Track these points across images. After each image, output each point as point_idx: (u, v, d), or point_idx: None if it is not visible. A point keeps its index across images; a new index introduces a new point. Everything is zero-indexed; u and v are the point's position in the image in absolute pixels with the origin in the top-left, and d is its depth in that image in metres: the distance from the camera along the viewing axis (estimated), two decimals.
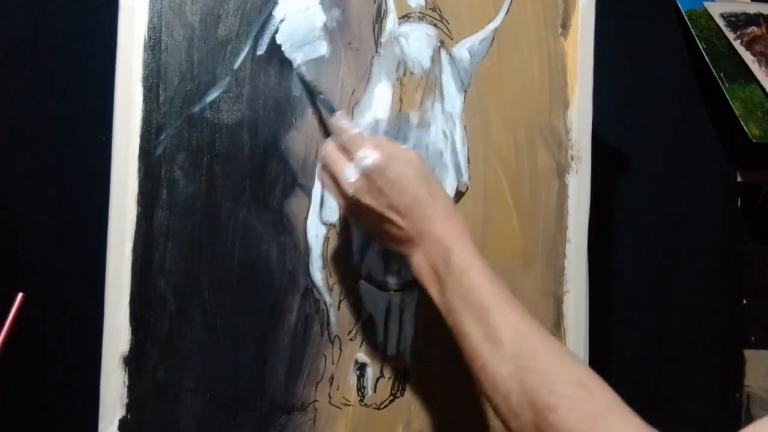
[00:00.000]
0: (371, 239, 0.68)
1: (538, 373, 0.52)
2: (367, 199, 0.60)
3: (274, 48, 0.68)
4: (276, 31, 0.68)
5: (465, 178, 0.74)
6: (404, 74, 0.72)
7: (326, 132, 0.67)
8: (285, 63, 0.68)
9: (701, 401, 1.00)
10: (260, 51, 0.68)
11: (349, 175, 0.60)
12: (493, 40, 0.75)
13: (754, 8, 1.07)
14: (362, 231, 0.69)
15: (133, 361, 0.64)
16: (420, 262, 0.60)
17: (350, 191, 0.60)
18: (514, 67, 0.76)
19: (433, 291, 0.59)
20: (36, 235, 0.75)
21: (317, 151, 0.69)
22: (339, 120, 0.64)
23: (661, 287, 1.01)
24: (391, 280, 0.71)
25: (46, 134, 0.75)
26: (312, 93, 0.68)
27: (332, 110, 0.66)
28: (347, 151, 0.62)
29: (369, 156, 0.60)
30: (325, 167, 0.63)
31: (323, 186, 0.66)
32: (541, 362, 0.52)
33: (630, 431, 0.48)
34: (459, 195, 0.73)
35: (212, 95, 0.67)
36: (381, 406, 0.71)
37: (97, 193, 0.65)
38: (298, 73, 0.68)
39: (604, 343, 0.93)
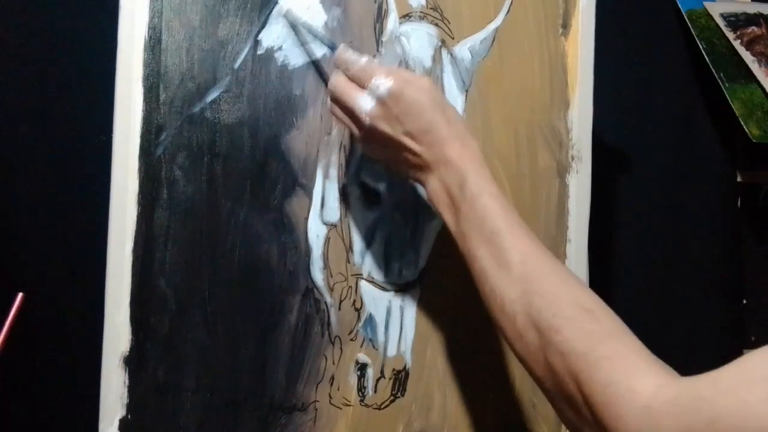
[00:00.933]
0: (387, 169, 0.68)
1: (544, 296, 0.52)
2: (383, 126, 0.60)
3: (275, 48, 0.68)
4: (277, 31, 0.68)
5: None
6: None
7: (327, 79, 0.66)
8: (285, 62, 0.68)
9: None
10: (260, 51, 0.68)
11: (364, 103, 0.60)
12: (493, 39, 0.75)
13: (754, 8, 1.07)
14: (378, 161, 0.68)
15: (133, 361, 0.64)
16: (435, 187, 0.60)
17: (367, 120, 0.60)
18: (515, 66, 0.76)
19: (448, 217, 0.59)
20: (36, 235, 0.74)
21: (318, 151, 0.69)
22: (344, 53, 0.63)
23: (661, 287, 1.01)
24: (392, 281, 0.71)
25: (46, 134, 0.75)
26: (310, 34, 0.67)
27: (333, 47, 0.65)
28: (358, 81, 0.61)
29: (383, 83, 0.60)
30: (337, 100, 0.63)
31: (336, 120, 0.65)
32: (547, 286, 0.53)
33: (631, 353, 0.49)
34: None
35: (213, 95, 0.67)
36: (381, 407, 0.71)
37: (97, 193, 0.65)
38: (288, 18, 0.67)
39: None
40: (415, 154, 0.60)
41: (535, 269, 0.54)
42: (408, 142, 0.60)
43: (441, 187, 0.60)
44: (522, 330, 0.52)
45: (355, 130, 0.63)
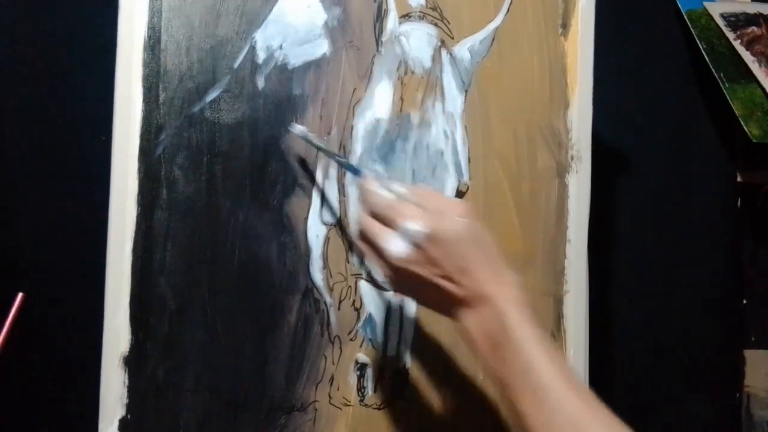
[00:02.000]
0: (420, 304, 0.65)
1: None
2: (418, 270, 0.56)
3: (274, 47, 0.68)
4: (276, 30, 0.68)
5: (465, 177, 0.74)
6: (405, 73, 0.72)
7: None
8: (285, 62, 0.68)
9: (701, 401, 1.00)
10: (260, 50, 0.68)
11: (396, 248, 0.56)
12: (493, 39, 0.75)
13: (754, 8, 1.07)
14: (409, 297, 0.65)
15: (133, 361, 0.64)
16: (472, 325, 0.56)
17: (399, 265, 0.56)
18: (515, 66, 0.76)
19: (484, 358, 0.55)
20: (36, 235, 0.74)
21: (317, 151, 0.69)
22: (370, 184, 0.59)
23: (660, 287, 1.01)
24: None
25: (46, 134, 0.75)
26: (329, 156, 0.68)
27: (356, 172, 0.63)
28: (387, 220, 0.57)
29: (417, 228, 0.55)
30: (365, 239, 0.59)
31: (365, 258, 0.62)
32: None
33: None
34: (459, 195, 0.73)
35: (212, 95, 0.67)
36: (381, 407, 0.71)
37: (97, 193, 0.65)
38: (305, 139, 0.67)
39: (604, 343, 0.93)
40: (449, 293, 0.56)
41: (590, 427, 0.51)
42: (445, 283, 0.56)
43: (478, 325, 0.55)
44: None
45: (387, 271, 0.58)
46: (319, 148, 0.68)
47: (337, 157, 0.68)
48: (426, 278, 0.56)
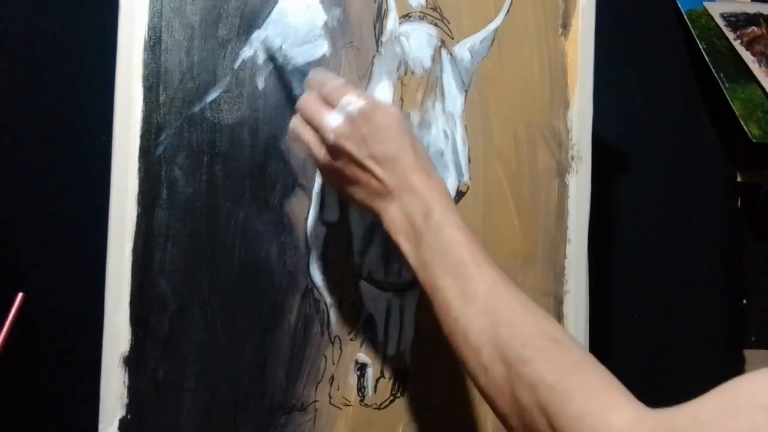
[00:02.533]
0: (344, 197, 0.65)
1: (512, 327, 0.51)
2: (349, 146, 0.58)
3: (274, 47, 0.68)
4: (277, 31, 0.68)
5: (465, 177, 0.74)
6: (405, 74, 0.72)
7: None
8: (285, 62, 0.68)
9: None
10: (260, 50, 0.68)
11: (332, 120, 0.58)
12: (493, 39, 0.75)
13: (754, 8, 1.07)
14: (335, 190, 0.66)
15: (133, 361, 0.64)
16: (395, 215, 0.58)
17: (332, 137, 0.58)
18: (515, 66, 0.76)
19: (407, 246, 0.57)
20: (36, 235, 0.74)
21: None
22: (318, 72, 0.62)
23: (661, 287, 1.01)
24: (392, 281, 0.71)
25: (46, 134, 0.75)
26: (282, 66, 0.67)
27: (304, 74, 0.64)
28: (330, 100, 0.60)
29: (355, 101, 0.58)
30: (304, 117, 0.61)
31: (298, 140, 0.62)
32: (515, 317, 0.52)
33: (604, 385, 0.47)
34: (459, 195, 0.73)
35: (212, 95, 0.67)
36: (381, 406, 0.71)
37: (97, 193, 0.65)
38: (265, 46, 0.67)
39: (604, 343, 0.93)
40: (377, 179, 0.58)
41: (503, 300, 0.53)
42: (371, 165, 0.58)
43: (402, 215, 0.58)
44: (488, 363, 0.50)
45: (317, 150, 0.60)
46: (275, 57, 0.67)
47: (293, 69, 0.67)
48: (355, 156, 0.58)
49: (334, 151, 0.59)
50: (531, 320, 0.52)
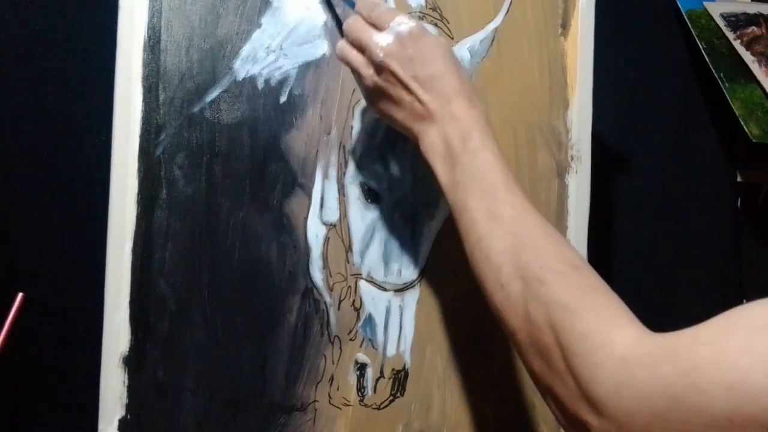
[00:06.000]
0: (385, 118, 0.65)
1: (534, 250, 0.53)
2: (395, 65, 0.59)
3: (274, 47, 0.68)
4: (276, 31, 0.68)
5: None
6: None
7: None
8: (285, 62, 0.68)
9: None
10: (260, 51, 0.68)
11: (381, 39, 0.60)
12: (493, 39, 0.75)
13: (754, 8, 1.07)
14: (376, 112, 0.66)
15: (133, 361, 0.64)
16: (434, 138, 0.59)
17: (380, 54, 0.59)
18: (514, 66, 0.76)
19: (442, 168, 0.59)
20: (36, 235, 0.74)
21: (317, 151, 0.69)
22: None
23: (660, 287, 1.01)
24: (392, 281, 0.71)
25: (46, 134, 0.75)
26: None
27: (353, 4, 0.65)
28: (379, 23, 0.61)
29: (405, 23, 0.60)
30: (351, 39, 0.62)
31: (346, 59, 0.63)
32: (537, 241, 0.54)
33: (613, 307, 0.49)
34: None
35: (212, 95, 0.67)
36: (381, 407, 0.71)
37: (97, 193, 0.65)
38: None
39: None
40: (420, 101, 0.59)
41: (527, 224, 0.55)
42: (415, 87, 0.59)
43: (440, 138, 0.59)
44: (506, 281, 0.52)
45: (365, 70, 0.61)
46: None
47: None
48: (401, 75, 0.59)
49: (381, 69, 0.60)
50: (553, 246, 0.54)
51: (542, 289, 0.50)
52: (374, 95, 0.63)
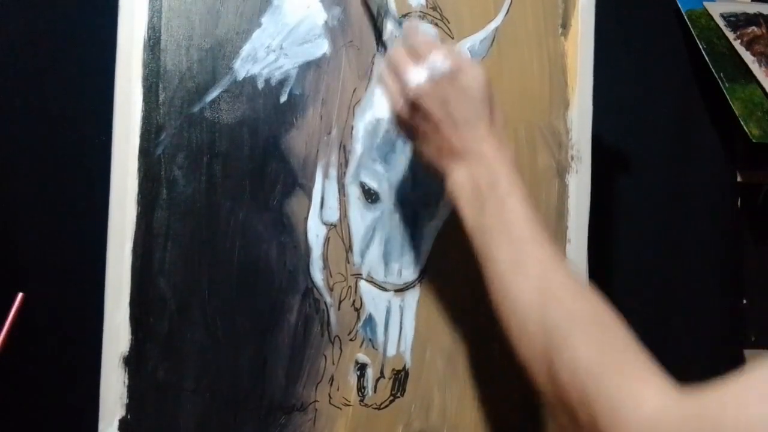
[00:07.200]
0: (413, 150, 0.66)
1: (562, 307, 0.52)
2: (428, 105, 0.59)
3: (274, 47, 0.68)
4: (276, 30, 0.68)
5: None
6: None
7: (379, 41, 0.67)
8: (285, 62, 0.68)
9: None
10: (260, 51, 0.68)
11: (415, 76, 0.59)
12: (493, 39, 0.75)
13: (754, 8, 1.07)
14: (405, 137, 0.67)
15: (133, 361, 0.64)
16: (462, 179, 0.59)
17: (411, 94, 0.59)
18: (514, 66, 0.76)
19: (468, 210, 0.58)
20: (36, 235, 0.74)
21: (317, 151, 0.69)
22: (412, 22, 0.64)
23: (661, 287, 1.01)
24: (392, 281, 0.71)
25: (46, 134, 0.75)
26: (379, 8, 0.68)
27: (398, 21, 0.66)
28: (416, 54, 0.61)
29: (442, 62, 0.59)
30: (390, 66, 0.62)
31: (383, 85, 0.64)
32: (565, 297, 0.53)
33: (640, 369, 0.49)
34: None
35: (212, 95, 0.67)
36: (381, 407, 0.71)
37: (97, 193, 0.65)
38: None
39: None
40: (449, 140, 0.59)
41: (556, 279, 0.54)
42: (446, 127, 0.59)
43: (468, 180, 0.58)
44: (532, 335, 0.52)
45: (396, 101, 0.61)
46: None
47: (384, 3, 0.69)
48: (433, 115, 0.59)
49: (413, 106, 0.60)
50: (580, 301, 0.53)
51: (568, 350, 0.50)
52: (403, 126, 0.63)
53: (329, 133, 0.69)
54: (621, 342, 0.51)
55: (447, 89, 0.59)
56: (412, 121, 0.61)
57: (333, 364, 0.69)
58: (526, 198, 0.57)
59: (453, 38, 0.74)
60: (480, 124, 0.59)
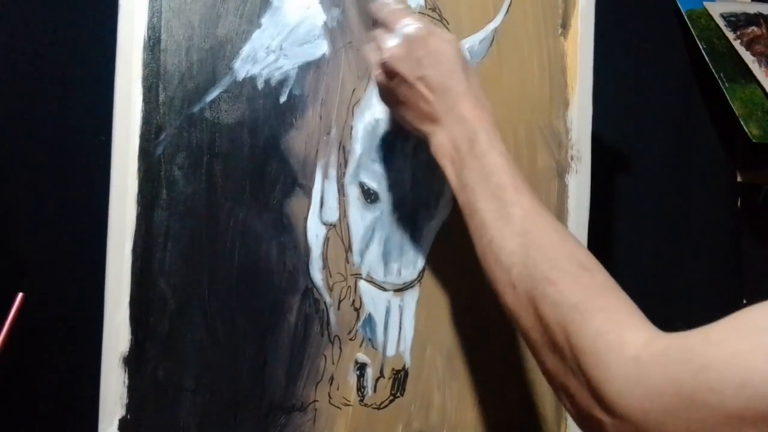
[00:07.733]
0: (396, 117, 0.67)
1: (543, 250, 0.53)
2: (402, 67, 0.60)
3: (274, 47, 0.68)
4: (276, 31, 0.68)
5: None
6: None
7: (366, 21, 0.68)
8: (285, 62, 0.68)
9: None
10: (260, 51, 0.68)
11: (386, 41, 0.61)
12: (492, 40, 0.75)
13: (754, 8, 1.07)
14: (388, 108, 0.68)
15: (133, 361, 0.64)
16: (442, 141, 0.60)
17: (386, 56, 0.61)
18: (514, 67, 0.76)
19: (451, 170, 0.60)
20: (36, 235, 0.74)
21: (317, 151, 0.69)
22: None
23: (660, 287, 1.01)
24: (391, 280, 0.71)
25: (46, 134, 0.75)
26: None
27: None
28: (386, 24, 0.62)
29: (411, 24, 0.61)
30: (370, 42, 0.64)
31: (366, 59, 0.65)
32: (547, 241, 0.54)
33: (623, 308, 0.50)
34: None
35: (212, 95, 0.67)
36: (381, 406, 0.71)
37: (97, 193, 0.65)
38: None
39: None
40: (427, 102, 0.60)
41: (537, 224, 0.55)
42: (422, 88, 0.60)
43: (448, 140, 0.60)
44: (516, 280, 0.53)
45: (376, 70, 0.63)
46: None
47: None
48: (406, 77, 0.60)
49: (388, 70, 0.61)
50: (562, 245, 0.54)
51: (551, 289, 0.51)
52: (384, 94, 0.65)
53: (329, 134, 0.70)
54: (605, 283, 0.52)
55: (418, 52, 0.60)
56: (390, 88, 0.63)
57: (333, 363, 0.69)
58: (505, 151, 0.59)
59: None
60: (455, 83, 0.60)
